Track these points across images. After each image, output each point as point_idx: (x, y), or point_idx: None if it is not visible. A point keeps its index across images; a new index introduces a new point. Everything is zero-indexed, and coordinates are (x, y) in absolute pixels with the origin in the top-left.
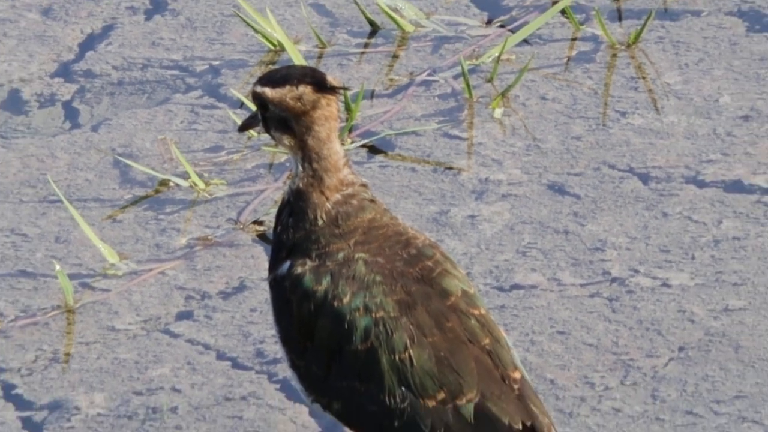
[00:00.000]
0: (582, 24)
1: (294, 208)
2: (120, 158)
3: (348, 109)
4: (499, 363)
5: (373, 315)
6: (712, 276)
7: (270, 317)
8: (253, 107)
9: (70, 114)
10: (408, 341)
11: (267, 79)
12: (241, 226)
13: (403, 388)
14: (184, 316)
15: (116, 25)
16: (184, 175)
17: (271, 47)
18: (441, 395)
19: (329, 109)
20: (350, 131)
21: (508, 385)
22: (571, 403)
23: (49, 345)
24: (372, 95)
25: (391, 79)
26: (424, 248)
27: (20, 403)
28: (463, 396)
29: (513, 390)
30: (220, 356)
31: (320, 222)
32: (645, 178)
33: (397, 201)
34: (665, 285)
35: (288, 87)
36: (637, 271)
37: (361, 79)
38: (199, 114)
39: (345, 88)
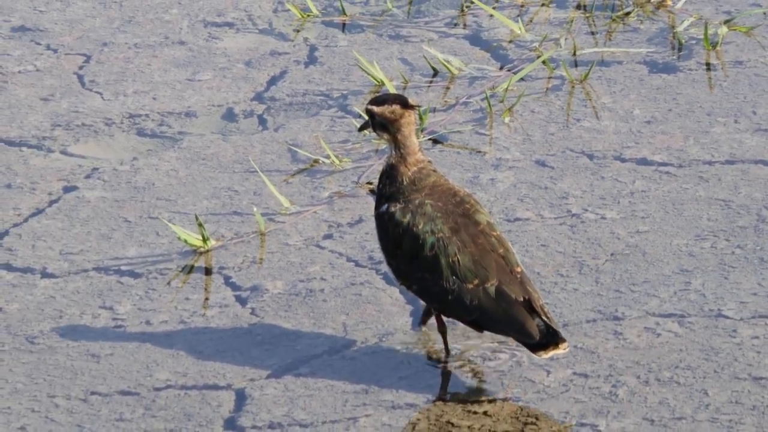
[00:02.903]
0: (554, 68)
1: (389, 174)
2: (291, 146)
3: (421, 118)
4: (508, 263)
5: (436, 235)
6: (630, 212)
7: (376, 237)
8: (366, 117)
9: (262, 121)
10: (456, 250)
11: (374, 101)
12: (360, 185)
13: (453, 277)
14: (328, 236)
15: (288, 71)
16: (327, 156)
17: (376, 83)
18: (476, 281)
19: (410, 118)
20: (422, 131)
21: (514, 276)
22: (549, 286)
23: (250, 253)
24: (435, 110)
25: (446, 101)
26: (465, 197)
27: (234, 287)
28: (489, 282)
29: (517, 278)
30: (349, 259)
31: (405, 182)
32: (591, 157)
33: (449, 171)
34: (602, 218)
35: (386, 105)
36: (586, 210)
37: (428, 101)
38: (335, 121)
39: (419, 106)
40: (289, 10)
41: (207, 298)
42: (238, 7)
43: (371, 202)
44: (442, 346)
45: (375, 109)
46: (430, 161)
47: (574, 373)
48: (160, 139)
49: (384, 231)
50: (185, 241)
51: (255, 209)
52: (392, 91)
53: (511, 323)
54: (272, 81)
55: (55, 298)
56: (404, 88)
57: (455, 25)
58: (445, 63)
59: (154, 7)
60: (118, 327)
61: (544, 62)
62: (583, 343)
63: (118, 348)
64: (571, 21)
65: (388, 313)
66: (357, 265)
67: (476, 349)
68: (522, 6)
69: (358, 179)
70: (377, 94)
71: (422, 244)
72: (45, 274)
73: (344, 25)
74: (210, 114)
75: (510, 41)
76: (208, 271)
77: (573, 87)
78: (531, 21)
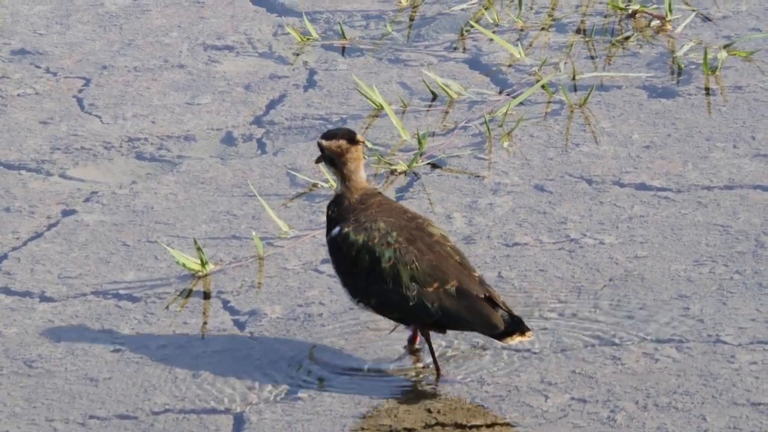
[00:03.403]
0: (554, 93)
1: (336, 202)
2: (290, 170)
3: (420, 142)
4: (466, 267)
5: (393, 246)
6: (629, 237)
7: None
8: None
9: (261, 145)
10: (414, 258)
11: (324, 135)
12: None
13: (413, 283)
14: (326, 261)
15: (287, 95)
16: (326, 180)
17: (375, 107)
18: (436, 284)
19: (356, 154)
20: (421, 155)
21: (473, 277)
22: (547, 311)
23: (248, 278)
24: (433, 134)
25: (444, 125)
26: (415, 215)
27: (232, 311)
28: (449, 283)
29: (476, 279)
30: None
31: (351, 203)
32: (590, 182)
33: (448, 195)
34: (601, 243)
35: (333, 140)
36: (585, 235)
37: (427, 125)
38: None
39: (364, 142)
40: (288, 33)
41: (205, 323)
42: (237, 31)
43: None
44: (442, 368)
45: (324, 143)
46: (378, 190)
47: (573, 398)
48: (159, 162)
49: (338, 252)
50: (184, 265)
51: (254, 233)
52: (391, 115)
53: (475, 318)
54: (271, 105)
55: (54, 322)
56: (403, 112)
57: (455, 49)
58: (445, 87)
59: (154, 31)
60: (117, 351)
61: (543, 86)
62: (581, 369)
63: (117, 372)
64: (571, 45)
65: (387, 338)
66: None
67: (473, 374)
68: (521, 30)
69: None
70: (330, 128)
71: (379, 257)
72: (43, 298)
73: (344, 48)
74: (209, 138)
75: (509, 65)
76: (206, 295)
77: (572, 111)
78: (530, 45)
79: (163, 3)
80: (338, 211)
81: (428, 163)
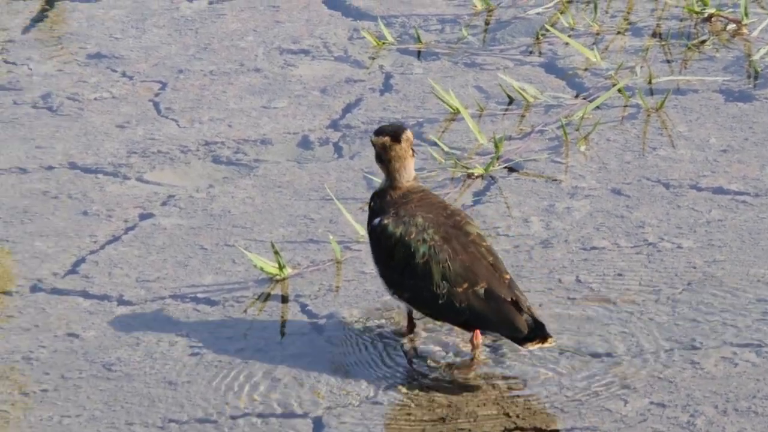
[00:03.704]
0: (630, 97)
1: (379, 195)
2: (366, 174)
3: (496, 146)
4: (498, 270)
5: (428, 243)
6: (706, 242)
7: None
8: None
9: (338, 149)
10: (447, 257)
11: (375, 132)
12: None
13: (444, 282)
14: None
15: (363, 99)
16: None
17: (452, 111)
18: (465, 285)
19: (400, 152)
20: (498, 158)
21: (503, 281)
22: (626, 315)
23: (326, 281)
24: (510, 138)
25: (521, 129)
26: (455, 211)
27: (310, 315)
28: (478, 285)
29: (505, 283)
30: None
31: (394, 197)
32: (667, 186)
33: (524, 199)
34: (679, 247)
35: (381, 137)
36: (662, 239)
37: (503, 129)
38: None
39: (408, 138)
40: (364, 37)
41: (284, 326)
42: (313, 35)
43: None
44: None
45: (372, 138)
46: (423, 189)
47: (652, 403)
48: (236, 166)
49: (377, 243)
50: (261, 268)
51: (331, 237)
52: (467, 119)
53: (501, 320)
54: (347, 108)
55: (132, 326)
56: (480, 116)
57: (530, 52)
58: (521, 91)
59: (230, 35)
60: (195, 354)
61: (619, 90)
62: (660, 373)
63: (196, 376)
64: (647, 49)
65: (466, 341)
66: None
67: (552, 378)
68: (597, 34)
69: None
70: (383, 123)
71: (414, 252)
72: (122, 302)
73: (419, 52)
74: (285, 141)
75: (585, 69)
76: (284, 299)
77: (649, 115)
78: (606, 49)
79: (238, 7)
80: (380, 203)
81: (505, 167)
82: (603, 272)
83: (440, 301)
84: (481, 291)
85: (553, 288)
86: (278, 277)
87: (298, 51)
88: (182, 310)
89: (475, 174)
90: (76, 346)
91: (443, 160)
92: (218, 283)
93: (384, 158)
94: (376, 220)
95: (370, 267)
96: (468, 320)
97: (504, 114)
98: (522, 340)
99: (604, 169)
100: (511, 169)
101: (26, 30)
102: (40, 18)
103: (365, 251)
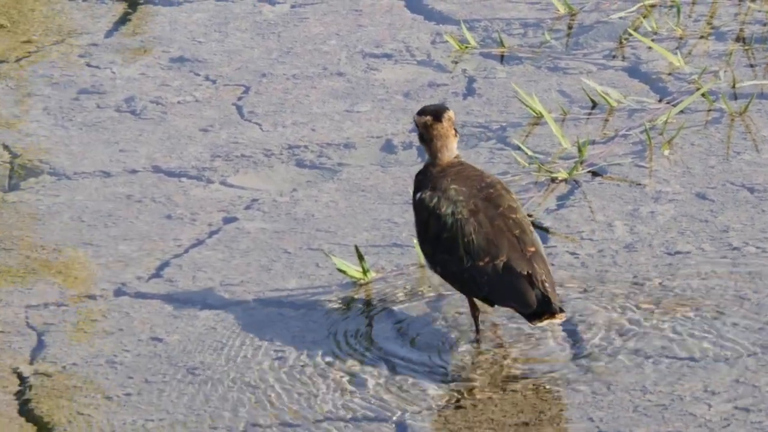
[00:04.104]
0: (714, 101)
1: (422, 172)
2: None
3: (580, 150)
4: (522, 243)
5: (455, 216)
6: None
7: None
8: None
9: (421, 153)
10: (472, 230)
11: (418, 112)
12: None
13: (467, 255)
14: None
15: (446, 103)
16: None
17: (535, 115)
18: (487, 259)
19: (441, 131)
20: (582, 163)
21: (524, 254)
22: (710, 320)
23: (410, 286)
24: (593, 142)
25: (605, 133)
26: (492, 183)
27: (395, 319)
28: (498, 258)
29: (526, 256)
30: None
31: (434, 173)
32: (752, 190)
33: (608, 203)
34: (764, 252)
35: (423, 117)
36: (747, 243)
37: (586, 133)
38: (494, 153)
39: (449, 118)
40: (447, 41)
41: (367, 331)
42: (396, 39)
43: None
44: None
45: (414, 117)
46: (461, 162)
47: (736, 407)
48: (320, 170)
49: (416, 216)
50: (345, 272)
51: (414, 241)
52: (552, 125)
53: (512, 295)
54: None
55: (216, 330)
56: (563, 120)
57: (614, 57)
58: (604, 95)
59: (312, 38)
60: (278, 358)
61: (703, 95)
62: (744, 377)
63: (279, 380)
64: (731, 53)
65: (548, 348)
66: None
67: (636, 383)
68: (681, 38)
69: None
70: (426, 104)
71: (443, 225)
72: (205, 306)
73: (502, 56)
74: (369, 145)
75: (669, 74)
76: (368, 303)
77: (732, 120)
78: (690, 53)
79: (321, 11)
80: (422, 179)
81: (589, 171)
82: (687, 277)
83: (465, 276)
84: (500, 265)
85: (636, 292)
86: (362, 281)
87: (381, 55)
88: (266, 314)
89: (559, 178)
90: (160, 350)
91: (527, 164)
92: (302, 287)
93: (426, 137)
94: (418, 195)
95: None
96: (488, 295)
97: (587, 118)
98: (531, 316)
99: (688, 174)
100: (594, 174)
101: (109, 34)
102: (122, 22)
103: None
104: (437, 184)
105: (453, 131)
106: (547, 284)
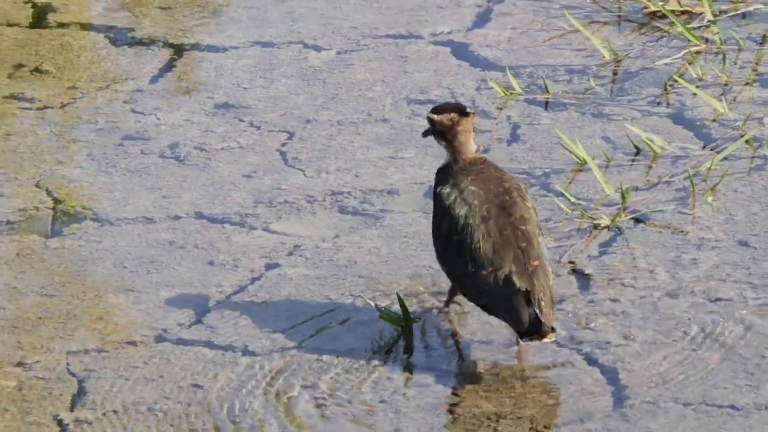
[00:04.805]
0: (758, 148)
1: (444, 168)
2: None
3: (623, 197)
4: (526, 256)
5: (467, 221)
6: None
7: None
8: (428, 125)
9: None
10: (480, 237)
11: (435, 110)
12: (562, 264)
13: (472, 262)
14: None
15: (490, 149)
16: None
17: (579, 161)
18: (490, 268)
19: (466, 126)
20: (625, 209)
21: (527, 268)
22: (752, 367)
23: (452, 331)
24: (637, 189)
25: (648, 180)
26: (511, 188)
27: (436, 366)
28: (501, 270)
29: (528, 271)
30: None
31: (455, 170)
32: None
33: (650, 250)
34: None
35: (445, 114)
36: None
37: (630, 179)
38: (537, 200)
39: (473, 113)
40: (492, 87)
41: (409, 378)
42: (441, 85)
43: (574, 281)
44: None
45: (435, 117)
46: (484, 160)
47: None
48: (362, 216)
49: (435, 210)
50: (387, 319)
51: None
52: (595, 171)
53: (508, 310)
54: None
55: (257, 377)
56: (607, 167)
57: (658, 103)
58: (648, 141)
59: (358, 85)
60: (319, 406)
61: (747, 141)
62: None
63: (319, 427)
64: None
65: (589, 394)
66: (558, 344)
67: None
68: (726, 85)
69: (560, 258)
70: (438, 103)
71: (455, 227)
72: (246, 352)
73: (547, 103)
74: (412, 192)
75: (713, 120)
76: (409, 350)
77: None
78: (734, 100)
79: (366, 57)
80: (443, 176)
81: (631, 218)
82: (731, 323)
83: (468, 281)
84: (502, 277)
85: (677, 339)
86: (403, 327)
87: (426, 101)
88: (306, 361)
89: (602, 225)
90: (200, 397)
91: (570, 211)
92: (344, 334)
93: (449, 135)
94: (438, 189)
95: (498, 319)
96: (486, 304)
97: (631, 165)
98: (522, 333)
99: (731, 221)
100: (637, 220)
101: (154, 80)
102: (168, 68)
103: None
104: (458, 180)
105: (473, 128)
106: (543, 302)
